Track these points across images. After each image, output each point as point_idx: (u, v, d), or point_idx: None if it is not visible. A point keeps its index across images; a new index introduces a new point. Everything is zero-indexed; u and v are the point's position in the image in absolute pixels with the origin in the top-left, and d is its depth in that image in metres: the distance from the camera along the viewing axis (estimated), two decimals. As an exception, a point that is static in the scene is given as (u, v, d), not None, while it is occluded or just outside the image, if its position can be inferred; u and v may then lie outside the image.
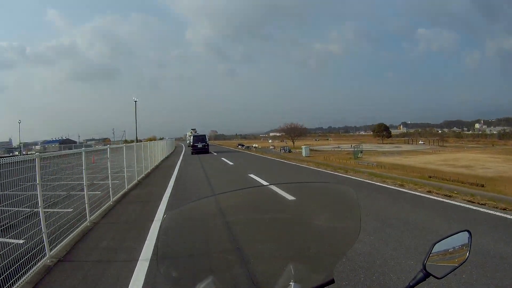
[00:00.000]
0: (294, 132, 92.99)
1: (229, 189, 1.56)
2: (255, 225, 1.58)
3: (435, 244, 1.33)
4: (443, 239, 1.37)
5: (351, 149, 61.37)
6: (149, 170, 19.04)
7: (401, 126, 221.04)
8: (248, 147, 63.35)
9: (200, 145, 34.74)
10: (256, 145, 73.29)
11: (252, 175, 15.27)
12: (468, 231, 1.42)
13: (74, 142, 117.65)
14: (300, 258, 1.47)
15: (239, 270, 1.48)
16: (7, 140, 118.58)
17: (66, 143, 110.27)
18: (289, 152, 57.47)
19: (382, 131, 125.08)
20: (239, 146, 67.30)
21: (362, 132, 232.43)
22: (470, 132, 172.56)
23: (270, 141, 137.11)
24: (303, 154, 44.30)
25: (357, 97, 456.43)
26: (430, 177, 21.31)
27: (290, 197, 1.58)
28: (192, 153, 34.19)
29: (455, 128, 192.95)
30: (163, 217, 1.59)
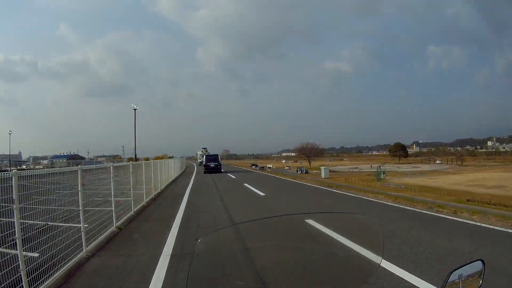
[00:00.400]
0: (311, 152, 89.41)
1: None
2: (281, 252, 1.66)
3: (451, 272, 1.40)
4: (459, 268, 1.43)
5: (371, 170, 58.88)
6: (152, 196, 15.67)
7: (414, 146, 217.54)
8: (263, 167, 61.18)
9: (213, 165, 34.92)
10: (271, 166, 71.42)
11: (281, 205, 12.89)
12: (482, 260, 1.50)
13: (83, 158, 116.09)
14: (324, 284, 1.55)
15: None
16: (17, 153, 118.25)
17: (74, 158, 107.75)
18: (306, 173, 55.32)
19: (399, 151, 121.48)
20: (253, 166, 65.31)
21: (375, 152, 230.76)
22: (483, 150, 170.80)
23: (283, 161, 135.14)
24: (322, 175, 42.14)
25: (368, 117, 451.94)
26: (468, 201, 19.11)
27: (318, 226, 1.81)
28: (204, 172, 34.37)
29: (468, 147, 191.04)
30: (198, 240, 1.52)
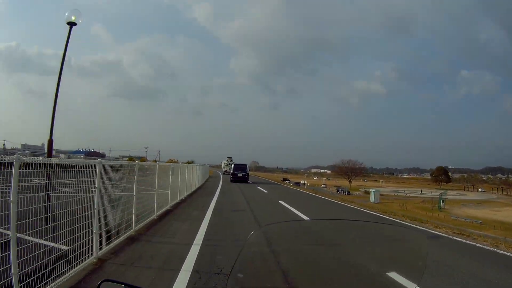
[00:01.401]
0: (352, 171, 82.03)
1: None
2: (318, 257, 1.69)
3: None
4: None
5: (421, 196, 52.79)
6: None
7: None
8: (298, 183, 56.03)
9: (240, 174, 35.14)
10: (305, 182, 66.01)
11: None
12: None
13: (103, 155, 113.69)
14: None
15: None
16: (40, 144, 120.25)
17: (92, 155, 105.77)
18: (348, 194, 49.70)
19: (441, 175, 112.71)
20: (286, 182, 60.19)
21: (405, 175, 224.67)
22: None
23: (315, 178, 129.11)
24: (372, 199, 36.59)
25: (396, 138, 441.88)
26: None
27: (355, 234, 1.71)
28: (231, 181, 34.56)
29: (499, 175, 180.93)
30: (250, 234, 1.47)
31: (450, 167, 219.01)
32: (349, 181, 76.61)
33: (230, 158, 65.27)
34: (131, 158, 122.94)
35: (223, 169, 66.07)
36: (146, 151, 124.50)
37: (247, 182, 34.93)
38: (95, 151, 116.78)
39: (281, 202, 18.74)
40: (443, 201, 37.70)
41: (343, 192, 51.11)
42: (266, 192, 26.59)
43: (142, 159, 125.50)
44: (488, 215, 33.04)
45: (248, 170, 38.16)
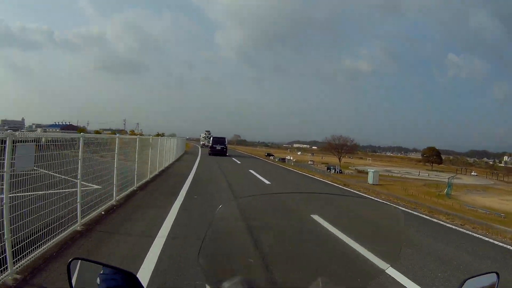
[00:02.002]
0: (342, 148, 77.21)
1: None
2: (292, 231, 1.63)
3: (466, 280, 1.36)
4: (474, 277, 1.39)
5: (419, 177, 48.68)
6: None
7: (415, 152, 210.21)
8: (283, 159, 51.25)
9: (219, 147, 35.54)
10: (291, 158, 61.12)
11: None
12: (496, 273, 1.45)
13: (78, 128, 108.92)
14: (332, 273, 1.50)
15: (268, 275, 1.48)
16: (20, 119, 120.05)
17: (69, 129, 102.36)
18: (340, 173, 45.11)
19: (433, 156, 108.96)
20: (271, 157, 55.57)
21: (389, 153, 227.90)
22: (502, 165, 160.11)
23: (299, 153, 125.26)
24: (370, 180, 32.08)
25: (380, 117, 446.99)
26: None
27: (330, 210, 1.67)
28: (209, 154, 34.95)
29: (485, 159, 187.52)
30: (217, 208, 1.43)
31: (435, 147, 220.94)
32: (339, 159, 71.66)
33: (208, 131, 64.99)
34: (114, 132, 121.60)
35: (201, 142, 65.64)
36: (124, 124, 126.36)
37: (226, 155, 34.99)
38: (71, 124, 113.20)
39: (265, 180, 17.63)
40: (450, 186, 33.14)
41: (335, 171, 46.45)
42: (252, 171, 22.15)
43: (122, 132, 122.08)
44: (501, 205, 28.77)
45: (226, 143, 38.02)
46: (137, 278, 1.26)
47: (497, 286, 1.43)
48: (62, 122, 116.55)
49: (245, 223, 1.56)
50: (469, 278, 1.37)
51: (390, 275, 4.80)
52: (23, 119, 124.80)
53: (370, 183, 32.18)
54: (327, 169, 48.26)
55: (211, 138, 39.42)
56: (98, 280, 1.27)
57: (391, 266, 1.51)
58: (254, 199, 1.80)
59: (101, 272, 1.29)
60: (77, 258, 1.29)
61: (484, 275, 1.44)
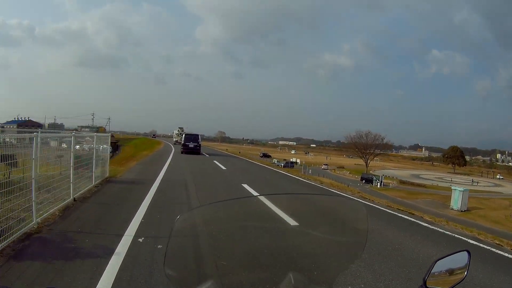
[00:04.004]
0: (371, 147, 63.04)
1: None
2: (259, 232, 1.67)
3: (437, 261, 1.41)
4: (445, 257, 1.44)
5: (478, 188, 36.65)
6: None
7: (423, 149, 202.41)
8: (290, 164, 38.83)
9: (192, 145, 33.06)
10: (296, 160, 48.93)
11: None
12: (467, 251, 1.50)
13: (39, 125, 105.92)
14: (301, 268, 1.55)
15: (241, 275, 1.53)
16: None
17: (27, 125, 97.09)
18: (381, 185, 32.56)
19: (458, 157, 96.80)
20: (274, 161, 43.14)
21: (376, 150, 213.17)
22: (499, 163, 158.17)
23: (293, 151, 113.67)
24: (455, 204, 20.15)
25: (363, 114, 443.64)
26: None
27: (296, 208, 1.76)
28: (181, 152, 32.60)
29: (479, 157, 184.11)
30: (176, 218, 1.44)
31: (420, 144, 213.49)
32: (366, 163, 58.28)
33: (181, 128, 63.64)
34: (103, 129, 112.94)
35: (174, 139, 64.72)
36: (93, 119, 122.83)
37: (199, 154, 32.82)
38: (31, 120, 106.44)
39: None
40: None
41: (372, 182, 33.81)
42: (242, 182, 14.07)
43: (100, 129, 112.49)
44: None
45: (200, 140, 35.74)
46: None
47: (469, 263, 1.46)
48: (19, 118, 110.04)
49: (208, 228, 1.57)
50: (439, 259, 1.42)
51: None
52: None
53: (455, 208, 22.48)
54: (361, 179, 35.51)
55: (183, 136, 36.89)
56: None
57: (357, 259, 1.62)
58: (215, 206, 1.78)
59: None
60: None
61: (455, 254, 1.46)
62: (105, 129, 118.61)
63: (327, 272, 1.57)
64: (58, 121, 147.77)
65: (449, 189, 45.05)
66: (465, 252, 1.47)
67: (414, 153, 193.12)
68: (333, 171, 48.00)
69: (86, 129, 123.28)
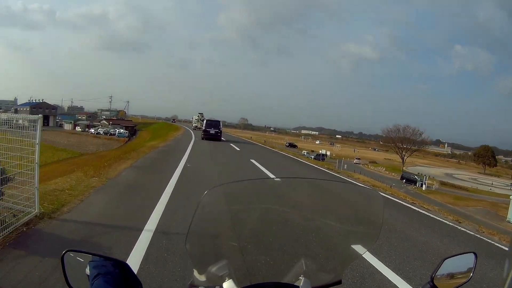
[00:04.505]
0: (409, 142, 59.33)
1: None
2: (277, 215, 1.67)
3: (445, 260, 1.41)
4: (451, 257, 1.44)
5: None
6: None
7: (445, 145, 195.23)
8: (321, 156, 36.73)
9: (213, 131, 32.31)
10: (326, 152, 46.76)
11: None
12: (474, 253, 1.50)
13: (54, 107, 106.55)
14: (314, 255, 1.56)
15: (255, 256, 1.53)
16: (13, 99, 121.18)
17: (41, 107, 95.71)
18: (420, 186, 30.28)
19: (489, 157, 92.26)
20: (302, 152, 41.10)
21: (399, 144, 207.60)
22: None
23: (318, 142, 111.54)
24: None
25: (386, 106, 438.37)
26: None
27: (312, 193, 1.76)
28: (202, 138, 32.00)
29: (501, 157, 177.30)
30: (204, 193, 1.39)
31: (442, 140, 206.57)
32: (402, 159, 55.30)
33: (201, 114, 62.63)
34: (123, 113, 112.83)
35: (193, 125, 64.12)
36: (110, 102, 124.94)
37: (220, 141, 32.42)
38: (45, 102, 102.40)
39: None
40: None
41: (415, 183, 31.43)
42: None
43: (120, 113, 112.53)
44: None
45: (221, 127, 34.80)
46: (129, 267, 1.30)
47: (475, 266, 1.47)
48: (33, 100, 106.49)
49: (231, 207, 1.57)
50: (447, 258, 1.42)
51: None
52: (15, 99, 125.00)
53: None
54: (401, 179, 33.09)
55: (204, 121, 36.24)
56: (91, 270, 1.31)
57: (368, 250, 1.56)
58: (240, 184, 1.78)
59: (94, 262, 1.33)
60: (70, 250, 1.33)
61: (462, 255, 1.48)
62: (125, 113, 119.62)
63: (338, 260, 1.58)
64: (77, 104, 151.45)
65: (492, 194, 42.39)
66: (472, 254, 1.48)
67: (436, 149, 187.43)
68: (366, 166, 45.21)
69: (106, 112, 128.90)
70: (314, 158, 37.10)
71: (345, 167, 28.78)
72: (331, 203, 1.80)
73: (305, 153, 46.11)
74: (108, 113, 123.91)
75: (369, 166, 44.28)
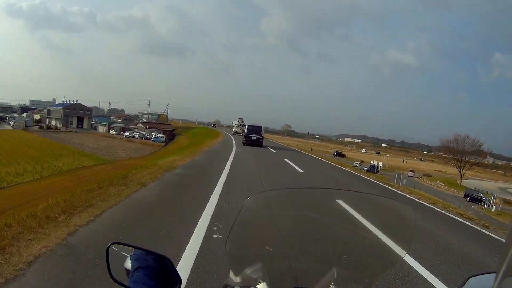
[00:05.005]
0: (468, 154, 56.27)
1: None
2: (315, 223, 1.71)
3: (470, 278, 1.40)
4: (477, 275, 1.43)
5: None
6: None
7: (488, 155, 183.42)
8: (375, 168, 34.98)
9: (255, 137, 32.03)
10: (379, 163, 44.74)
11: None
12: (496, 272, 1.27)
13: (88, 108, 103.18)
14: (346, 265, 1.58)
15: (287, 262, 1.57)
16: (51, 100, 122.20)
17: (74, 108, 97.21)
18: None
19: None
20: (354, 164, 39.92)
21: (441, 153, 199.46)
22: None
23: (363, 151, 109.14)
24: None
25: (427, 114, 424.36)
26: None
27: (347, 205, 1.79)
28: (243, 144, 31.81)
29: None
30: (246, 199, 1.48)
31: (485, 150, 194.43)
32: (460, 172, 52.02)
33: (241, 119, 62.85)
34: (164, 116, 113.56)
35: (233, 130, 63.99)
36: (149, 104, 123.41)
37: (262, 146, 32.01)
38: (79, 103, 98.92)
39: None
40: None
41: (485, 203, 29.06)
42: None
43: (162, 116, 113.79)
44: None
45: (263, 133, 34.12)
46: (170, 262, 1.35)
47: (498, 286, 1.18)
48: (65, 101, 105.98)
49: (269, 214, 1.65)
50: (472, 276, 1.41)
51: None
52: (54, 100, 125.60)
53: None
54: (465, 197, 30.68)
55: (246, 127, 35.55)
56: (132, 263, 1.35)
57: (397, 264, 1.60)
58: (280, 192, 1.88)
59: (136, 255, 1.38)
60: (115, 243, 1.40)
61: (487, 274, 1.44)
62: (166, 117, 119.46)
63: (369, 272, 1.58)
64: (117, 106, 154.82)
65: None
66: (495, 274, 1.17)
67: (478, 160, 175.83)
68: (422, 179, 42.26)
69: (147, 116, 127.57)
70: (367, 171, 35.08)
71: (404, 182, 26.59)
72: (365, 215, 1.85)
73: (357, 165, 43.98)
74: (149, 116, 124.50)
75: (425, 180, 41.37)
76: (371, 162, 46.60)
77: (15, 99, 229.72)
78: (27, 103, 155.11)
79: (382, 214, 1.83)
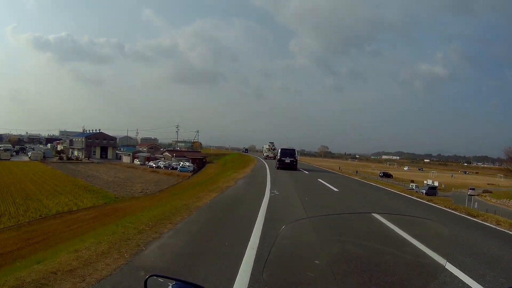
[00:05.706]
0: None
1: None
2: (352, 247, 1.78)
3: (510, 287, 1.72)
4: None
5: None
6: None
7: None
8: (434, 190, 32.39)
9: (288, 160, 31.50)
10: (431, 182, 41.78)
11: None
12: None
13: (112, 138, 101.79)
14: (384, 285, 1.64)
15: (327, 287, 1.61)
16: (81, 130, 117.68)
17: (97, 138, 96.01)
18: None
19: None
20: (409, 186, 37.38)
21: (479, 164, 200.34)
22: None
23: (406, 168, 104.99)
24: None
25: (463, 125, 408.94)
26: None
27: (390, 226, 1.91)
28: (277, 168, 31.17)
29: None
30: (281, 227, 1.56)
31: None
32: None
33: (271, 143, 63.47)
34: (197, 144, 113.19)
35: (264, 154, 65.39)
36: (177, 132, 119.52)
37: (296, 169, 30.75)
38: (102, 133, 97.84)
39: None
40: None
41: None
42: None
43: (195, 144, 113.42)
44: None
45: (296, 156, 34.43)
46: None
47: None
48: (88, 130, 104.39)
49: (307, 240, 1.67)
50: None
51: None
52: (84, 130, 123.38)
53: None
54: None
55: (279, 150, 35.07)
56: None
57: (434, 281, 1.69)
58: (315, 220, 1.88)
59: (174, 287, 1.40)
60: (154, 275, 1.42)
61: None
62: (200, 144, 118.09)
63: (420, 277, 1.64)
64: (146, 135, 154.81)
65: None
66: None
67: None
68: (483, 197, 38.10)
69: (182, 144, 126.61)
70: (426, 193, 31.18)
71: (476, 206, 22.89)
72: (402, 235, 1.93)
73: (414, 187, 39.42)
74: (183, 144, 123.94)
75: (487, 197, 37.30)
76: (425, 182, 43.23)
77: (46, 130, 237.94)
78: (57, 133, 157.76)
79: (418, 234, 1.84)
